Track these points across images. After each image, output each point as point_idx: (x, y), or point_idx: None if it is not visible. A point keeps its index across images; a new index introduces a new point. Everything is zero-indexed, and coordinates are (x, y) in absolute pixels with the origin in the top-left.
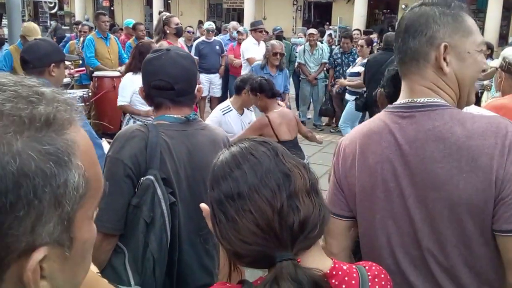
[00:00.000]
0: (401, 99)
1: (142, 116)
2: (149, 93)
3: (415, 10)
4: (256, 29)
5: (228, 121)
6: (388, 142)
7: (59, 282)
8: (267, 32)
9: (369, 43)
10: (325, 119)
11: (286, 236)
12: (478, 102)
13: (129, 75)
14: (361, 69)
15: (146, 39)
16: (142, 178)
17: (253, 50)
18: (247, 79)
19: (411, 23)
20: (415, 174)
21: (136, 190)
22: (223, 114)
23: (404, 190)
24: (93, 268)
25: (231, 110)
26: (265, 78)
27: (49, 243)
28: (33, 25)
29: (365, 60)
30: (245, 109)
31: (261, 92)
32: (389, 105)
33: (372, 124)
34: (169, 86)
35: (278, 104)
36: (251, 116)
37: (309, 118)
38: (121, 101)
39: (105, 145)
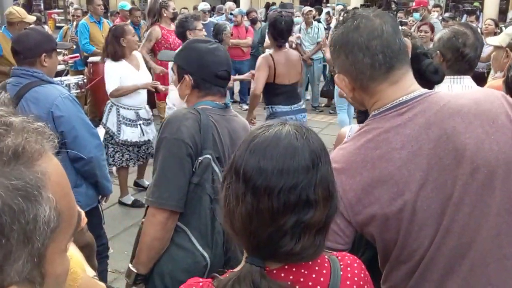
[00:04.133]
0: (382, 104)
1: (124, 102)
2: (209, 80)
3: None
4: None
5: None
6: (401, 142)
7: None
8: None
9: None
10: (323, 100)
11: (268, 249)
12: (484, 82)
13: (110, 62)
14: None
15: (142, 23)
16: (200, 158)
17: None
18: (184, 21)
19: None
20: (444, 155)
21: (194, 169)
22: None
23: (448, 177)
24: (90, 272)
25: None
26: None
27: (19, 282)
28: (17, 8)
29: None
30: None
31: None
32: (372, 113)
33: (368, 136)
34: (228, 76)
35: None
36: None
37: (307, 99)
38: (111, 86)
39: (101, 132)
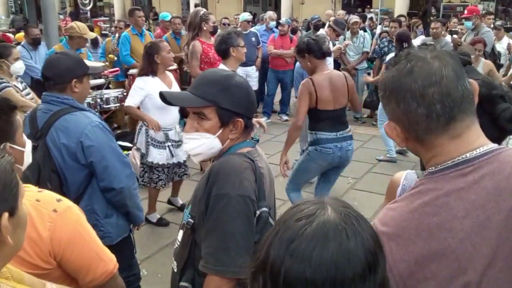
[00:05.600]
0: (441, 161)
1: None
2: (251, 118)
3: None
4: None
5: None
6: (464, 209)
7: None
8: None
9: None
10: (366, 111)
11: None
12: None
13: (144, 78)
14: None
15: (183, 32)
16: (257, 211)
17: None
18: (227, 38)
19: None
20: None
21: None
22: None
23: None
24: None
25: None
26: (313, 38)
27: None
28: (78, 23)
29: None
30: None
31: (309, 52)
32: (430, 169)
33: (424, 199)
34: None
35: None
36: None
37: (348, 110)
38: (129, 101)
39: (135, 154)
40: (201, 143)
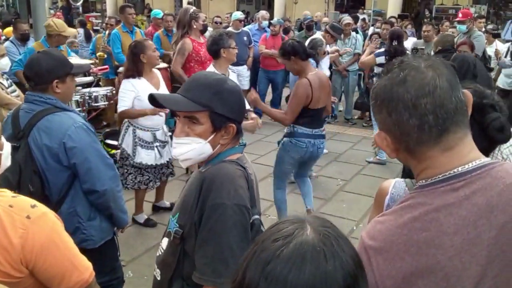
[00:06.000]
0: (432, 174)
1: (141, 122)
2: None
3: None
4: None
5: None
6: (454, 226)
7: None
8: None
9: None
10: (357, 112)
11: None
12: None
13: (130, 80)
14: None
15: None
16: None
17: None
18: (218, 38)
19: None
20: (509, 248)
21: None
22: None
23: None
24: None
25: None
26: (297, 40)
27: None
28: (56, 21)
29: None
30: (229, 71)
31: (294, 54)
32: (419, 184)
33: (414, 213)
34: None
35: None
36: (233, 77)
37: (340, 111)
38: (122, 106)
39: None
40: (191, 148)
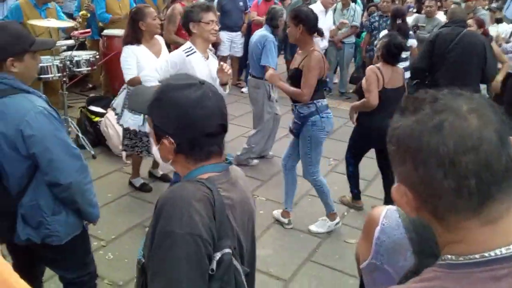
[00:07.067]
0: (466, 251)
1: None
2: (196, 142)
3: None
4: None
5: (191, 63)
6: None
7: None
8: None
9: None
10: (352, 86)
11: None
12: None
13: (129, 46)
14: (413, 43)
15: None
16: (217, 253)
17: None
18: (188, 11)
19: None
20: None
21: (211, 270)
22: (187, 55)
23: None
24: None
25: (194, 52)
26: (312, 11)
27: None
28: None
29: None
30: (210, 55)
31: (304, 24)
32: (451, 261)
33: None
34: (224, 129)
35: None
36: (214, 62)
37: (335, 83)
38: (129, 74)
39: (111, 116)
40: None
